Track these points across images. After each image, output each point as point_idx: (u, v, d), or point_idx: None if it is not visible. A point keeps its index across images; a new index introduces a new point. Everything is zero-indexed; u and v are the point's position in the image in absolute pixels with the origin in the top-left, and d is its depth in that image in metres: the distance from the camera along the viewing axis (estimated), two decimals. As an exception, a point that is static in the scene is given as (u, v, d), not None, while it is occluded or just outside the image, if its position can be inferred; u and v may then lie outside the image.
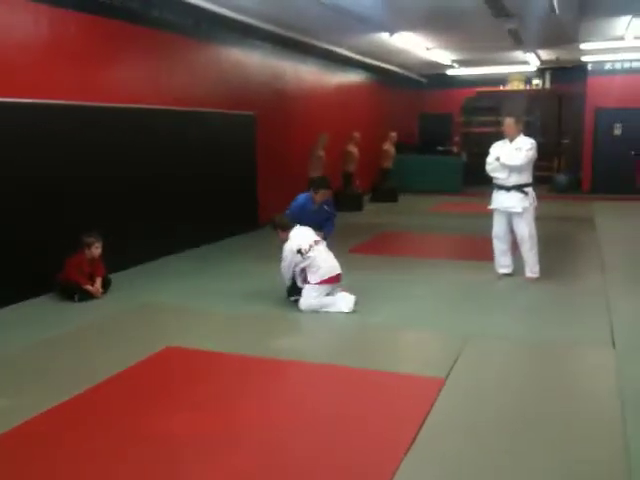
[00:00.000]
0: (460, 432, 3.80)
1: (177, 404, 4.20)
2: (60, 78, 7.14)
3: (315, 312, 6.13)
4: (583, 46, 13.71)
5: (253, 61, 11.19)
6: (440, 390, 4.31)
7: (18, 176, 6.48)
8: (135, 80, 8.37)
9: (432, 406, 4.07)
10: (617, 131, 16.65)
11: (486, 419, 3.96)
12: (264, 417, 4.01)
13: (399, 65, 16.86)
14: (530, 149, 7.15)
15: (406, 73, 18.11)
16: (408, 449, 3.54)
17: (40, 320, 6.06)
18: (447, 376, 4.56)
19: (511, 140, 7.25)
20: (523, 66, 17.35)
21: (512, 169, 7.17)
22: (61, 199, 6.97)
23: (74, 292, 6.57)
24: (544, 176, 16.36)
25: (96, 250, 6.77)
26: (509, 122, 7.28)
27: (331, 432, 3.80)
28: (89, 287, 6.66)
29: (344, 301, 6.18)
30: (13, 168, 6.42)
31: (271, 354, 5.07)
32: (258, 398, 4.29)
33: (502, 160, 7.17)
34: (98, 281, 6.77)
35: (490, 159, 7.34)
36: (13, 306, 6.37)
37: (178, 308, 6.42)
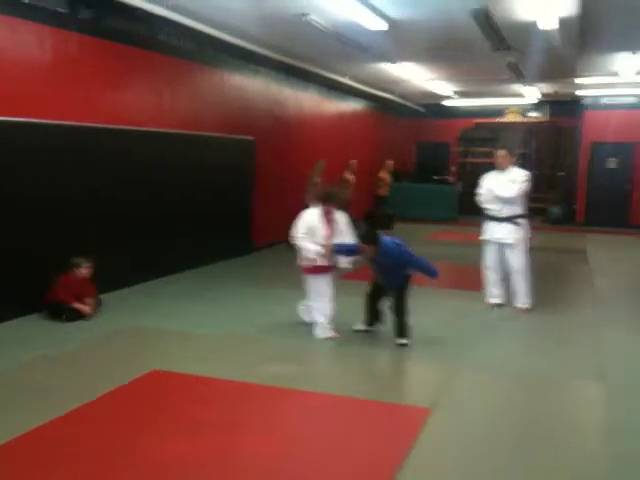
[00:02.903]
0: (445, 462, 3.80)
1: (164, 429, 4.16)
2: (63, 99, 7.20)
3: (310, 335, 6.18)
4: (581, 80, 13.90)
5: (255, 87, 11.32)
6: (426, 420, 4.32)
7: (8, 195, 6.43)
8: (137, 103, 8.45)
9: (418, 436, 4.07)
10: (612, 165, 16.85)
11: (472, 450, 3.96)
12: (248, 445, 3.97)
13: (398, 94, 17.03)
14: (524, 181, 7.23)
15: (405, 102, 18.30)
16: (393, 478, 3.54)
17: (26, 340, 5.97)
18: (434, 406, 4.56)
19: (503, 171, 7.33)
20: (521, 99, 17.56)
21: (505, 201, 7.24)
22: (53, 219, 6.94)
23: (62, 312, 6.51)
24: (538, 208, 16.51)
25: (85, 270, 6.77)
26: (501, 153, 7.38)
27: (317, 461, 3.80)
28: (79, 305, 6.60)
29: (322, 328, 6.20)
30: (3, 187, 6.37)
31: (259, 380, 5.02)
32: (244, 425, 4.26)
33: (496, 192, 7.24)
34: (89, 301, 6.73)
35: (482, 190, 7.41)
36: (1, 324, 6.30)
37: (167, 330, 6.38)
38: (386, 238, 6.05)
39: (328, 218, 6.18)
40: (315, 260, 6.04)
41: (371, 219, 15.46)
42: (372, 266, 6.17)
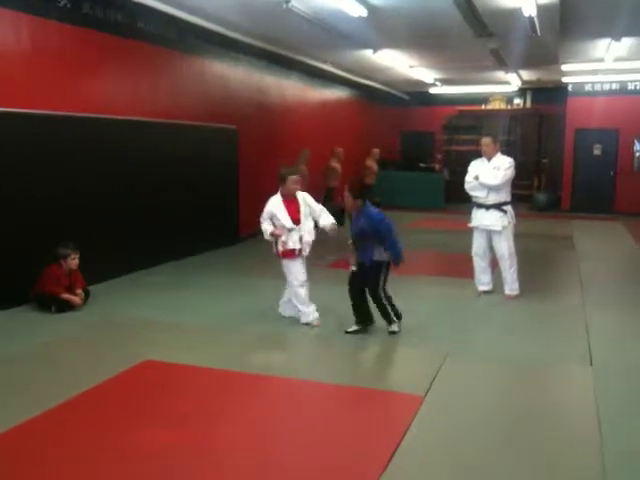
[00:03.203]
0: (437, 449, 3.79)
1: (155, 419, 4.15)
2: (42, 88, 7.09)
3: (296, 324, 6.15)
4: (564, 67, 13.91)
5: (237, 75, 11.21)
6: (419, 407, 4.30)
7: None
8: (117, 92, 8.33)
9: (410, 423, 4.05)
10: (597, 151, 16.88)
11: (463, 436, 3.95)
12: (242, 433, 3.97)
13: (382, 82, 16.99)
14: (508, 168, 7.21)
15: (389, 90, 18.24)
16: (386, 466, 3.52)
17: (15, 331, 5.97)
18: (426, 393, 4.55)
19: (489, 159, 7.31)
20: (505, 86, 17.55)
21: (491, 188, 7.22)
22: (37, 210, 6.88)
23: (51, 303, 6.49)
24: (524, 195, 16.54)
25: (73, 262, 6.72)
26: (486, 141, 7.36)
27: (308, 449, 3.78)
28: (69, 296, 6.58)
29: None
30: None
31: (250, 369, 5.03)
32: (236, 414, 4.25)
33: (480, 179, 7.22)
34: (78, 292, 6.71)
35: (468, 178, 7.39)
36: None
37: (156, 321, 6.36)
38: (373, 207, 5.94)
39: (289, 200, 6.22)
40: (285, 243, 6.13)
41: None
42: (351, 231, 6.06)
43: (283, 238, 6.15)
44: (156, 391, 4.66)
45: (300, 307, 6.24)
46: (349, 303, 6.03)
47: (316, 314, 6.26)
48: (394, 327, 5.93)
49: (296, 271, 6.22)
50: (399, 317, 5.99)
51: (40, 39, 7.07)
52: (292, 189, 6.24)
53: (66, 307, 6.54)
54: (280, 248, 6.20)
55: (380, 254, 5.83)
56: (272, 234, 6.15)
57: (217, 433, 3.96)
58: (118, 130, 8.08)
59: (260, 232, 6.34)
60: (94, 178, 7.64)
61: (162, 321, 6.37)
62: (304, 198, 6.34)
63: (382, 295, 5.92)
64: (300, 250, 6.20)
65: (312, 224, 6.34)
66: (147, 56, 8.82)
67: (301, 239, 6.19)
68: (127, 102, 8.45)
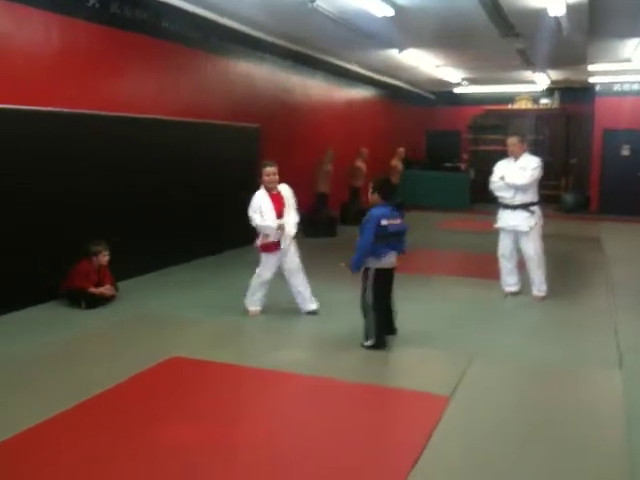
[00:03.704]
0: (463, 450, 3.76)
1: (181, 414, 4.18)
2: (68, 87, 7.18)
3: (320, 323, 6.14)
4: (591, 67, 13.74)
5: (261, 74, 11.23)
6: (444, 408, 4.28)
7: (25, 185, 6.50)
8: (142, 90, 8.41)
9: (436, 424, 4.03)
10: (625, 152, 16.64)
11: (489, 438, 3.91)
12: (264, 431, 3.97)
13: (407, 82, 16.91)
14: (535, 168, 7.13)
15: (414, 90, 18.16)
16: (412, 466, 3.49)
17: (46, 326, 6.06)
18: (452, 394, 4.52)
19: (515, 159, 7.23)
20: (532, 85, 17.39)
21: (517, 188, 7.14)
22: (67, 208, 6.97)
23: (81, 299, 6.57)
24: (551, 195, 16.36)
25: (103, 258, 6.81)
26: (513, 141, 7.27)
27: (334, 448, 3.76)
28: (97, 289, 6.68)
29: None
30: (20, 178, 6.44)
31: (275, 366, 5.04)
32: (259, 411, 4.27)
33: (507, 179, 7.15)
34: (107, 287, 6.82)
35: (494, 178, 7.32)
36: (20, 312, 6.39)
37: (184, 318, 6.41)
38: (384, 207, 5.47)
39: (273, 194, 6.33)
40: (267, 236, 6.27)
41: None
42: None
43: (270, 232, 6.26)
44: (183, 387, 4.68)
45: (247, 293, 6.48)
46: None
47: (256, 309, 6.50)
48: (367, 342, 5.49)
49: (269, 266, 6.39)
50: (391, 332, 5.63)
51: (68, 38, 7.14)
52: (267, 180, 6.31)
53: (96, 303, 6.62)
54: (259, 242, 6.36)
55: (368, 260, 5.46)
56: (262, 247, 6.37)
57: (240, 430, 3.98)
58: (143, 128, 8.15)
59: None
60: (121, 177, 7.72)
61: (189, 318, 6.42)
62: (290, 193, 6.45)
63: (368, 304, 5.49)
64: (279, 243, 6.29)
65: (297, 217, 6.43)
66: (172, 55, 8.88)
67: (283, 232, 6.26)
68: (150, 100, 8.51)
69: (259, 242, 6.37)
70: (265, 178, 6.32)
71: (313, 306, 6.56)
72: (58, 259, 6.71)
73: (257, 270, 6.47)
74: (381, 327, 5.50)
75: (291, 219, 6.36)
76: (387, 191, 5.53)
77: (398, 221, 5.48)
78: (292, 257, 6.44)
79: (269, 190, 6.33)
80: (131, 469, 3.49)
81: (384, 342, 5.50)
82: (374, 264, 5.44)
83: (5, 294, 6.29)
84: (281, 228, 6.26)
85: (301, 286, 6.50)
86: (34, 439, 3.82)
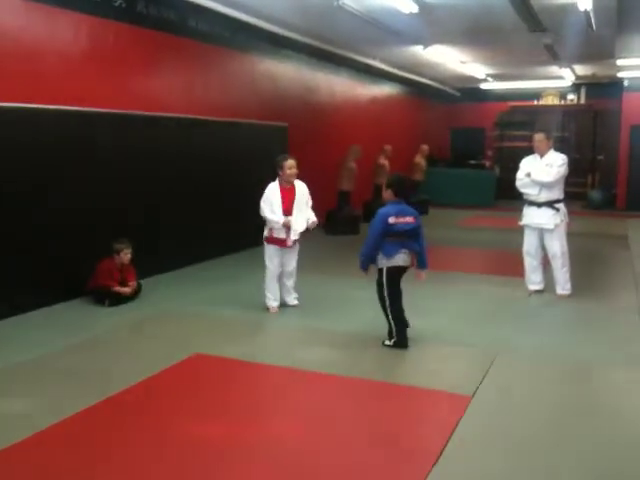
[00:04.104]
0: (485, 450, 3.75)
1: (205, 412, 4.22)
2: (97, 86, 7.27)
3: (338, 321, 6.14)
4: (620, 62, 13.56)
5: (287, 72, 11.27)
6: (467, 407, 4.27)
7: (54, 185, 6.59)
8: (170, 89, 8.49)
9: (458, 423, 4.03)
10: (653, 148, 16.42)
11: (512, 438, 3.90)
12: (287, 428, 4.00)
13: (432, 78, 16.84)
14: (561, 165, 7.07)
15: (439, 86, 18.09)
16: (433, 465, 3.50)
17: (70, 323, 6.15)
18: (474, 393, 4.51)
19: (541, 156, 7.18)
20: (558, 81, 17.22)
21: (543, 185, 7.09)
22: (95, 207, 7.05)
23: (104, 297, 6.67)
24: (578, 192, 16.21)
25: (125, 256, 6.88)
26: (539, 137, 7.21)
27: (357, 446, 3.78)
28: (120, 288, 6.76)
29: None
30: (45, 177, 6.51)
31: (299, 365, 5.07)
32: (281, 409, 4.30)
33: (533, 176, 7.10)
34: (131, 285, 6.90)
35: (520, 175, 7.27)
36: (45, 309, 6.49)
37: (206, 315, 6.47)
38: (396, 205, 5.41)
39: (286, 189, 6.38)
40: (271, 230, 6.39)
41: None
42: None
43: (276, 226, 6.33)
44: (205, 385, 4.73)
45: (264, 290, 6.58)
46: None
47: (274, 304, 6.55)
48: (388, 342, 5.53)
49: (272, 258, 6.48)
50: (406, 325, 5.55)
51: (96, 38, 7.24)
52: (288, 174, 6.35)
53: (119, 300, 6.71)
54: (266, 234, 6.46)
55: (379, 259, 5.46)
56: (268, 239, 6.47)
57: (262, 428, 3.99)
58: (170, 127, 8.23)
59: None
60: (147, 175, 7.79)
61: (212, 314, 6.47)
62: (304, 190, 6.49)
63: (385, 304, 5.49)
64: (285, 240, 6.36)
65: (306, 216, 6.48)
66: (199, 54, 8.95)
67: (289, 229, 6.33)
68: (177, 99, 8.59)
69: (266, 233, 6.48)
70: (287, 171, 6.34)
71: (295, 302, 6.78)
72: (86, 257, 6.79)
73: (265, 263, 6.57)
74: (401, 326, 5.49)
75: (300, 216, 6.39)
76: (400, 188, 5.47)
77: (409, 219, 5.39)
78: (291, 259, 6.58)
79: (284, 184, 6.37)
80: (156, 465, 3.53)
81: (405, 341, 5.50)
82: (385, 263, 5.40)
83: (34, 291, 6.41)
84: (286, 225, 6.30)
85: (288, 284, 6.71)
86: (58, 435, 3.89)
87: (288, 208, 6.34)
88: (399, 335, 5.48)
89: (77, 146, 6.85)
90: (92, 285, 6.78)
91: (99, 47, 7.30)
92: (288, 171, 6.34)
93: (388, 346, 5.51)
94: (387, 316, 5.52)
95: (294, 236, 6.39)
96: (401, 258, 5.39)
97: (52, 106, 6.51)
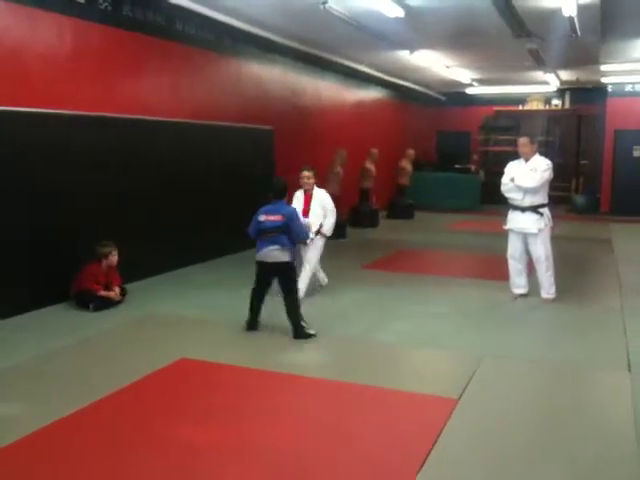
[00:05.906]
0: (471, 453, 3.76)
1: (189, 415, 4.21)
2: (81, 89, 7.23)
3: (326, 326, 6.14)
4: (604, 67, 13.69)
5: (273, 76, 11.27)
6: (452, 410, 4.28)
7: (38, 187, 6.55)
8: (155, 92, 8.45)
9: (444, 426, 4.03)
10: (637, 153, 16.57)
11: (498, 441, 3.91)
12: (273, 433, 3.99)
13: (418, 82, 16.91)
14: (545, 170, 7.09)
15: (425, 90, 18.15)
16: (419, 470, 3.50)
17: (54, 328, 6.10)
18: (460, 396, 4.53)
19: (526, 160, 7.21)
20: (543, 86, 17.34)
21: (527, 190, 7.13)
22: (78, 210, 7.01)
23: (89, 301, 6.61)
24: (563, 196, 16.33)
25: (113, 258, 6.86)
26: (524, 141, 7.24)
27: (341, 451, 3.77)
28: (106, 292, 6.72)
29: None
30: (30, 179, 6.47)
31: (282, 369, 5.06)
32: (268, 413, 4.28)
33: (516, 182, 7.13)
34: (116, 289, 6.85)
35: (505, 179, 7.30)
36: (30, 313, 6.43)
37: (191, 319, 6.44)
38: (273, 205, 6.13)
39: (307, 195, 7.34)
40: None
41: (392, 209, 15.42)
42: None
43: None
44: (191, 390, 4.71)
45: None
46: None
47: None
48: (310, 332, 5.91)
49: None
50: (253, 326, 6.12)
51: (81, 41, 7.19)
52: (301, 183, 7.33)
53: (104, 305, 6.65)
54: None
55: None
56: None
57: (248, 433, 3.98)
58: (156, 130, 8.20)
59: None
60: (132, 178, 7.76)
61: (198, 319, 6.45)
62: (321, 197, 7.31)
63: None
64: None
65: (321, 221, 7.27)
66: (185, 57, 8.92)
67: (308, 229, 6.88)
68: (163, 102, 8.55)
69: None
70: (300, 181, 7.32)
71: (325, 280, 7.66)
72: (70, 261, 6.75)
73: None
74: (252, 308, 6.06)
75: (315, 220, 7.22)
76: (276, 190, 6.15)
77: (277, 217, 5.97)
78: (308, 252, 7.23)
79: (305, 191, 7.33)
80: (142, 469, 3.51)
81: (248, 324, 6.04)
82: (255, 257, 6.08)
83: (17, 296, 6.37)
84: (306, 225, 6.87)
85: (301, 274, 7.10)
86: (45, 439, 3.86)
87: (305, 211, 7.20)
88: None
89: (58, 149, 6.77)
90: (76, 289, 6.71)
91: (81, 50, 7.23)
92: (301, 180, 7.32)
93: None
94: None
95: (311, 234, 7.04)
96: (265, 254, 5.96)
97: (32, 109, 6.46)
